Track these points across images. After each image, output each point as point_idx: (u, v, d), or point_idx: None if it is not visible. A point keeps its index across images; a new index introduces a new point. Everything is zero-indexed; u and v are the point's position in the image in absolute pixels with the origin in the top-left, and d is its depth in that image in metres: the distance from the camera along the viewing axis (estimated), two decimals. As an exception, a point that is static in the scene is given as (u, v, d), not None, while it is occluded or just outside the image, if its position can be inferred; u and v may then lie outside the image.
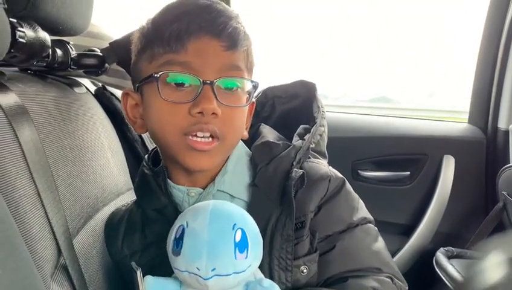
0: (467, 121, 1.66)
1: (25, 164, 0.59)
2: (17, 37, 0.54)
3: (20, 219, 0.54)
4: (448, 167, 1.54)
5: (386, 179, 1.58)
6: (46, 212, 0.60)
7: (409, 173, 1.58)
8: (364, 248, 0.71)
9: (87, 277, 0.68)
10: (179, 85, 0.65)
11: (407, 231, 1.55)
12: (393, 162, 1.58)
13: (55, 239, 0.61)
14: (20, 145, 0.59)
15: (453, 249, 1.37)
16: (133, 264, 0.60)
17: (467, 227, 1.53)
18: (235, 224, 0.58)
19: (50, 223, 0.61)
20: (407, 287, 0.72)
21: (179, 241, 0.58)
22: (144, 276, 0.60)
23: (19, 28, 0.55)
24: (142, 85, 0.69)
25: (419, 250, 1.51)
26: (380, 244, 0.73)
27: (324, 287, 0.68)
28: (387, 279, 0.69)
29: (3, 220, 0.47)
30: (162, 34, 0.64)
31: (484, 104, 1.58)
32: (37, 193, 0.60)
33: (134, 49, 0.72)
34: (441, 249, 1.37)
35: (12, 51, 0.55)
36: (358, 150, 1.56)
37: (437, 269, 1.33)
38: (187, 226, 0.58)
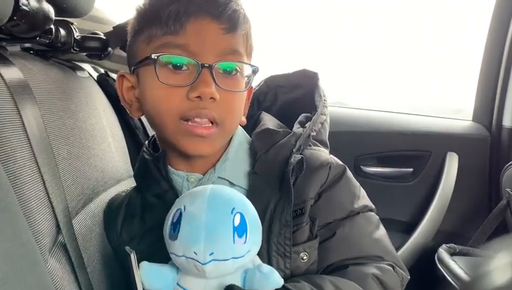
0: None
1: (26, 137, 0.58)
2: (20, 4, 0.54)
3: (18, 189, 0.53)
4: (452, 164, 1.53)
5: (389, 175, 1.57)
6: (45, 187, 0.59)
7: (412, 169, 1.56)
8: (365, 235, 0.70)
9: (85, 258, 0.67)
10: (177, 68, 0.64)
11: (409, 228, 1.54)
12: (396, 158, 1.57)
13: (55, 215, 0.60)
14: (21, 118, 0.58)
15: (455, 246, 1.36)
16: (127, 248, 0.59)
17: (470, 225, 1.52)
18: (233, 208, 0.56)
19: (49, 198, 0.60)
20: (409, 277, 0.71)
21: (176, 225, 0.56)
22: (142, 262, 0.59)
23: (23, -5, 0.55)
24: (139, 67, 0.68)
25: (421, 247, 1.50)
26: (382, 232, 0.72)
27: (324, 275, 0.66)
28: (388, 267, 0.68)
29: (1, 187, 0.46)
30: (159, 15, 0.63)
31: (489, 101, 1.57)
32: (36, 166, 0.59)
33: (130, 30, 0.71)
34: (444, 245, 1.36)
35: (15, 18, 0.54)
36: (361, 145, 1.55)
37: (439, 266, 1.31)
38: (184, 210, 0.57)
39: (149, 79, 0.66)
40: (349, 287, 0.63)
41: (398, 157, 1.57)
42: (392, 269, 0.68)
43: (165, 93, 0.64)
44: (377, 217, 0.74)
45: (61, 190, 0.64)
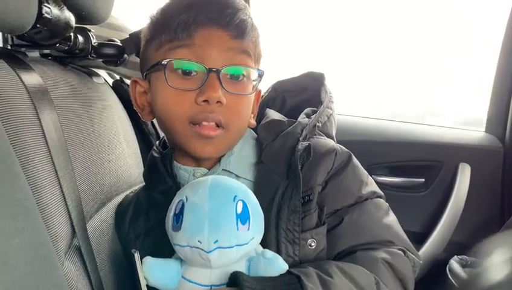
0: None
1: (44, 142, 0.60)
2: (43, 12, 0.55)
3: (37, 192, 0.54)
4: (464, 175, 1.51)
5: (401, 185, 1.55)
6: (62, 191, 0.60)
7: (423, 179, 1.55)
8: (374, 221, 0.69)
9: (98, 261, 0.68)
10: (186, 74, 0.66)
11: (421, 238, 1.52)
12: (408, 168, 1.55)
13: (70, 219, 0.61)
14: (40, 122, 0.60)
15: (467, 258, 1.34)
16: (133, 250, 0.60)
17: (482, 237, 1.49)
18: (235, 196, 0.57)
19: (66, 202, 0.61)
20: (421, 261, 0.70)
21: (178, 216, 0.57)
22: (145, 257, 0.60)
23: (45, 4, 0.56)
24: (150, 73, 0.70)
25: (433, 258, 1.48)
26: (392, 218, 0.72)
27: (334, 261, 0.66)
28: (399, 251, 0.67)
29: (21, 190, 0.47)
30: (169, 23, 0.66)
31: (502, 113, 1.55)
32: (54, 170, 0.60)
33: (143, 38, 0.73)
34: (455, 257, 1.34)
35: (38, 26, 0.55)
36: (373, 155, 1.54)
37: (450, 277, 1.30)
38: (187, 200, 0.57)
39: (160, 84, 0.68)
40: (356, 271, 0.62)
41: (410, 168, 1.55)
42: (403, 254, 0.67)
43: (174, 97, 0.66)
44: (387, 204, 0.73)
45: (77, 193, 0.65)
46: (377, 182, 1.48)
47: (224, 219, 0.55)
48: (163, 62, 0.65)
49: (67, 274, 0.57)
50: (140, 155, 1.09)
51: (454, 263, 1.32)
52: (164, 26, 0.67)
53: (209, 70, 0.64)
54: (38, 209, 0.52)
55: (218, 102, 0.64)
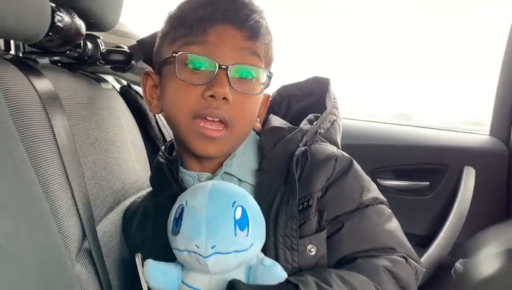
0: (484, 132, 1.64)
1: (56, 146, 0.61)
2: (55, 20, 0.57)
3: (49, 196, 0.55)
4: (469, 179, 1.51)
5: (405, 188, 1.55)
6: (73, 195, 0.62)
7: (428, 183, 1.55)
8: (375, 227, 0.68)
9: (107, 264, 0.69)
10: (196, 68, 0.66)
11: (425, 242, 1.52)
12: (412, 172, 1.56)
13: (81, 222, 0.63)
14: (52, 128, 0.61)
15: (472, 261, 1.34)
16: (137, 254, 0.61)
17: (487, 240, 1.50)
18: (234, 201, 0.57)
19: (76, 205, 0.62)
20: (424, 269, 0.69)
21: (178, 220, 0.57)
22: (147, 260, 0.60)
23: (57, 13, 0.58)
24: (162, 66, 0.71)
25: (437, 262, 1.48)
26: (394, 224, 0.71)
27: (333, 269, 0.65)
28: (400, 258, 0.66)
29: (35, 195, 0.48)
30: (185, 19, 0.67)
31: (506, 116, 1.55)
32: (65, 175, 0.61)
33: (159, 33, 0.74)
34: (460, 260, 1.34)
35: (50, 34, 0.57)
36: (378, 158, 1.54)
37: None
38: (186, 205, 0.57)
39: (169, 77, 0.69)
40: (356, 280, 0.61)
41: (415, 171, 1.56)
42: (404, 261, 0.66)
43: (182, 90, 0.67)
44: (390, 210, 0.72)
45: (87, 198, 0.66)
46: (381, 186, 1.53)
47: (222, 225, 0.55)
48: (174, 54, 0.66)
49: (79, 276, 0.58)
50: (147, 159, 1.10)
51: (459, 267, 1.32)
52: (180, 21, 0.68)
53: (219, 66, 0.65)
54: (51, 214, 0.53)
55: (224, 98, 0.65)
